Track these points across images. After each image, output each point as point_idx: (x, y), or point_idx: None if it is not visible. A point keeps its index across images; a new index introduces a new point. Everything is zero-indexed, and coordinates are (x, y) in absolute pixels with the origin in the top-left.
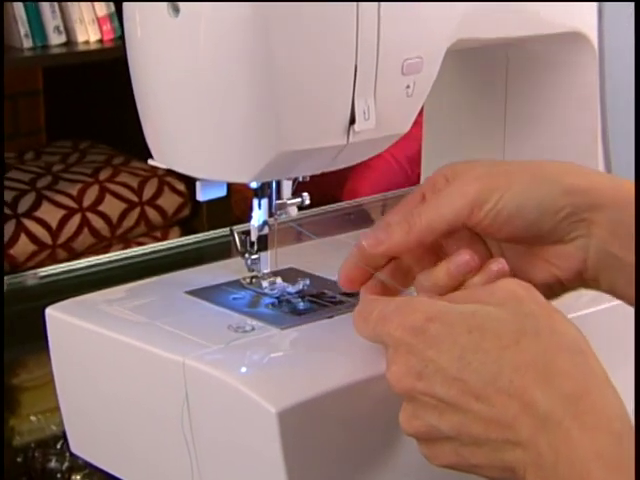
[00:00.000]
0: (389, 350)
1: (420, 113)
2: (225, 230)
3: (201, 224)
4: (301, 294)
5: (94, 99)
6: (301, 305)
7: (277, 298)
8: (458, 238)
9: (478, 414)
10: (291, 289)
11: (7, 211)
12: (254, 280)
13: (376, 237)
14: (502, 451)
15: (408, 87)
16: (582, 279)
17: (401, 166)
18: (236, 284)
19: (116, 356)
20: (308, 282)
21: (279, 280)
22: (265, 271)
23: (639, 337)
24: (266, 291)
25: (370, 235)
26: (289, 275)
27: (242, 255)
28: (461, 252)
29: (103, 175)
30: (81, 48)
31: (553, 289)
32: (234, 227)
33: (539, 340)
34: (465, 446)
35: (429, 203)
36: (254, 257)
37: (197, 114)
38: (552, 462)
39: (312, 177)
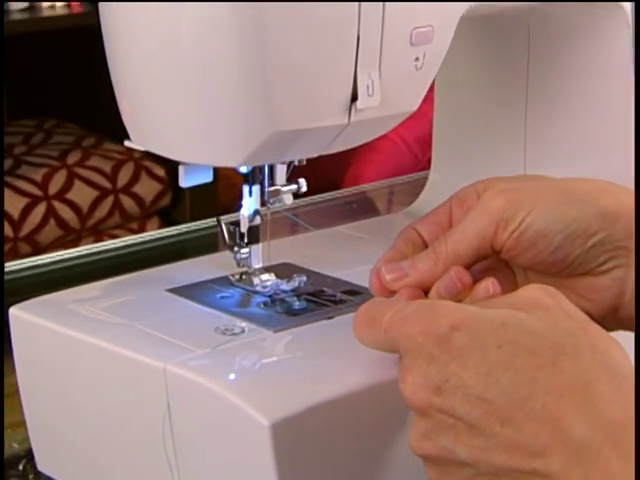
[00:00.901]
0: (406, 357)
1: (431, 88)
2: (211, 221)
3: (183, 214)
4: (297, 292)
5: (61, 72)
6: (297, 304)
7: (270, 297)
8: (483, 266)
9: (502, 440)
10: (285, 287)
11: None
12: (244, 276)
13: (399, 269)
14: None
15: (417, 59)
16: (617, 317)
17: (410, 148)
18: (224, 281)
19: (89, 362)
20: (305, 279)
21: (272, 276)
22: (256, 266)
23: (639, 337)
24: (257, 289)
25: (393, 267)
26: (283, 271)
27: (230, 249)
28: (450, 272)
29: (71, 159)
30: (46, 14)
31: None
32: (221, 217)
33: (578, 360)
34: (481, 475)
35: (455, 226)
36: (244, 251)
37: (180, 90)
38: None
39: (309, 161)
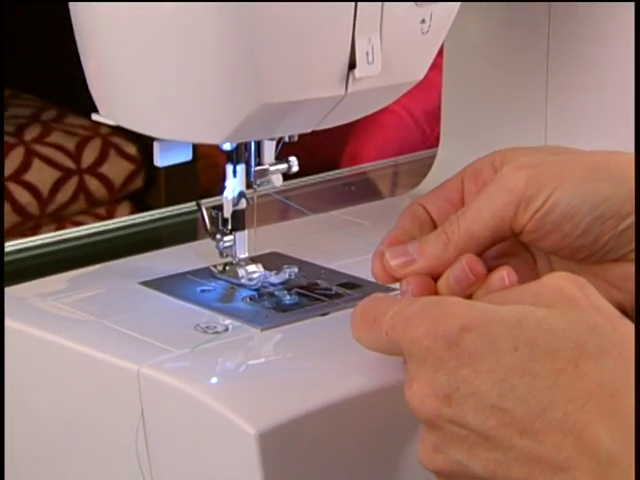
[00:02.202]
0: (411, 363)
1: (439, 54)
2: (190, 205)
3: (158, 198)
4: (287, 285)
5: (17, 35)
6: (287, 299)
7: (257, 290)
8: (499, 250)
9: (521, 452)
10: (274, 279)
11: None
12: (227, 268)
13: (406, 253)
14: None
15: (423, 21)
16: None
17: (416, 122)
18: (205, 273)
19: (52, 364)
20: (296, 270)
21: (259, 268)
22: (242, 256)
23: (639, 337)
24: (243, 281)
25: (398, 251)
26: (272, 261)
27: (212, 236)
28: (462, 260)
29: (29, 134)
30: None
31: None
32: (201, 201)
33: (604, 362)
34: None
35: (468, 204)
36: (227, 239)
37: (156, 56)
38: None
39: (301, 137)
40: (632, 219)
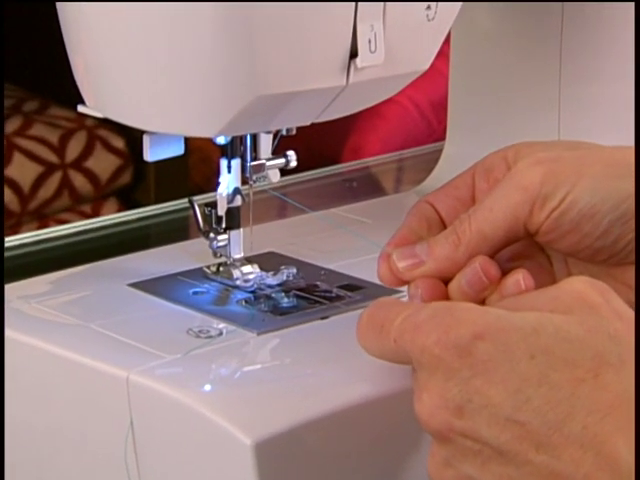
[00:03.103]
0: (421, 372)
1: (446, 42)
2: (181, 202)
3: (147, 194)
4: (285, 287)
5: None
6: (285, 302)
7: (253, 292)
8: (513, 251)
9: (537, 468)
10: (271, 280)
11: None
12: (222, 268)
13: (414, 254)
14: None
15: (429, 7)
16: None
17: (422, 114)
18: (197, 274)
19: (36, 370)
20: (294, 271)
21: (255, 268)
22: (237, 256)
23: (639, 337)
24: (238, 283)
25: (405, 252)
26: (269, 262)
27: (205, 235)
28: (474, 263)
29: (10, 126)
30: None
31: None
32: (194, 198)
33: (625, 372)
34: None
35: (480, 202)
36: (222, 238)
37: (146, 45)
38: None
39: (300, 130)
40: None
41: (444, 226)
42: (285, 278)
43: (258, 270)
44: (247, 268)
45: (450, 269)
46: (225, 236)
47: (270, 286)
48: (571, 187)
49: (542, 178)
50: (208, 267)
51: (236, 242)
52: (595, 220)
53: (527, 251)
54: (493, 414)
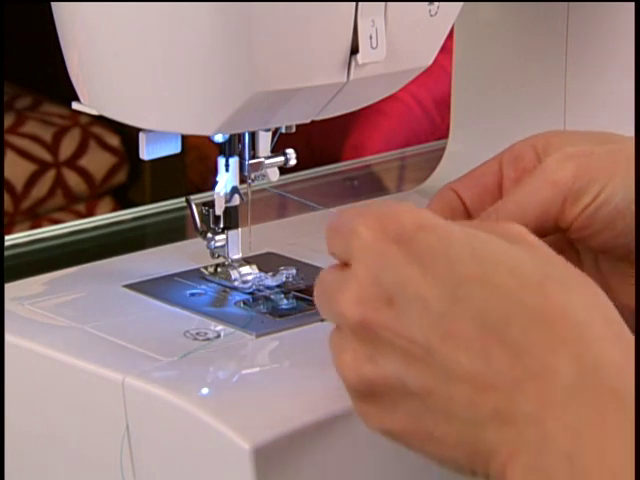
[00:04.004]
0: (353, 262)
1: (450, 37)
2: (178, 201)
3: (143, 193)
4: (284, 288)
5: None
6: (284, 303)
7: (251, 294)
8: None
9: (466, 371)
10: (270, 282)
11: None
12: (219, 269)
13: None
14: (483, 427)
15: (431, 2)
16: None
17: (425, 111)
18: (195, 275)
19: (29, 374)
20: (293, 272)
21: (254, 269)
22: (235, 257)
23: (639, 337)
24: (236, 284)
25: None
26: (268, 262)
27: (202, 235)
28: None
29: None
30: None
31: None
32: (191, 197)
33: (570, 290)
34: (430, 413)
35: (508, 195)
36: (219, 238)
37: (143, 41)
38: (566, 451)
39: (299, 128)
40: None
41: (468, 215)
42: (284, 279)
43: (257, 271)
44: (245, 269)
45: None
46: (223, 236)
47: (269, 287)
48: (605, 183)
49: (575, 173)
50: (205, 268)
51: (234, 242)
52: (629, 217)
53: (556, 246)
54: (426, 307)
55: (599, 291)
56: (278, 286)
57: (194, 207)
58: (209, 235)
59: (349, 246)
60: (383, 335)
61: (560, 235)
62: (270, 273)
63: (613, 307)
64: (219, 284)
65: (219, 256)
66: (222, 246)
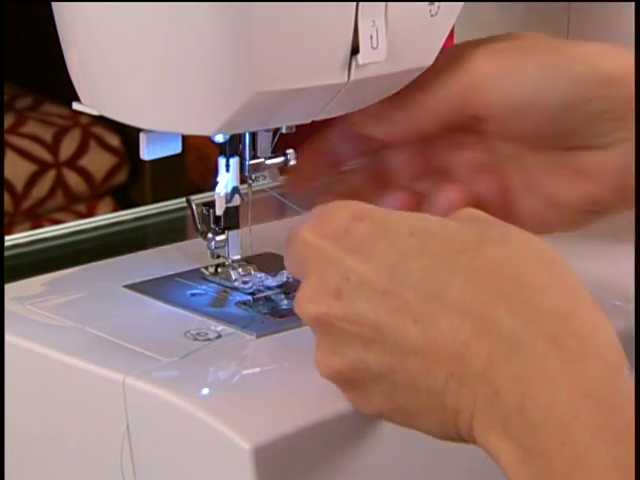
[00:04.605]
0: (307, 268)
1: (450, 37)
2: (178, 201)
3: (143, 193)
4: (284, 289)
5: None
6: (284, 304)
7: (251, 294)
8: (457, 143)
9: (415, 340)
10: (271, 282)
11: None
12: (220, 270)
13: (369, 113)
14: (443, 392)
15: (432, 3)
16: (624, 198)
17: None
18: (195, 275)
19: (29, 374)
20: None
21: (254, 270)
22: (235, 257)
23: (639, 337)
24: (236, 285)
25: (363, 112)
26: (268, 263)
27: (203, 236)
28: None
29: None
30: None
31: (587, 212)
32: (191, 197)
33: (507, 245)
34: (400, 389)
35: (424, 81)
36: (220, 238)
37: (143, 41)
38: (516, 403)
39: (300, 128)
40: (599, 106)
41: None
42: (285, 279)
43: (257, 271)
44: (246, 269)
45: (400, 134)
46: (223, 236)
47: (269, 288)
48: (514, 77)
49: (486, 65)
50: (206, 268)
51: (235, 243)
52: (539, 108)
53: (469, 142)
54: (371, 290)
55: (536, 238)
56: (278, 286)
57: (194, 207)
58: (209, 235)
59: (300, 253)
60: (338, 326)
61: (475, 133)
62: (270, 273)
63: (553, 251)
64: (219, 284)
65: (219, 256)
66: (222, 246)
